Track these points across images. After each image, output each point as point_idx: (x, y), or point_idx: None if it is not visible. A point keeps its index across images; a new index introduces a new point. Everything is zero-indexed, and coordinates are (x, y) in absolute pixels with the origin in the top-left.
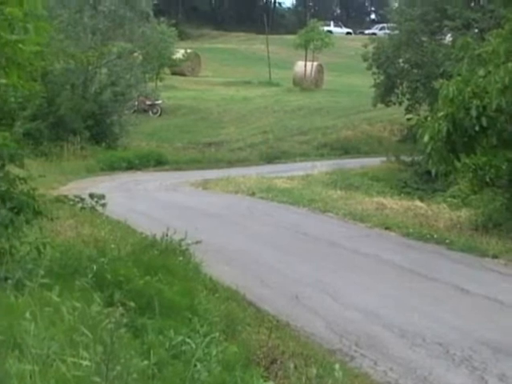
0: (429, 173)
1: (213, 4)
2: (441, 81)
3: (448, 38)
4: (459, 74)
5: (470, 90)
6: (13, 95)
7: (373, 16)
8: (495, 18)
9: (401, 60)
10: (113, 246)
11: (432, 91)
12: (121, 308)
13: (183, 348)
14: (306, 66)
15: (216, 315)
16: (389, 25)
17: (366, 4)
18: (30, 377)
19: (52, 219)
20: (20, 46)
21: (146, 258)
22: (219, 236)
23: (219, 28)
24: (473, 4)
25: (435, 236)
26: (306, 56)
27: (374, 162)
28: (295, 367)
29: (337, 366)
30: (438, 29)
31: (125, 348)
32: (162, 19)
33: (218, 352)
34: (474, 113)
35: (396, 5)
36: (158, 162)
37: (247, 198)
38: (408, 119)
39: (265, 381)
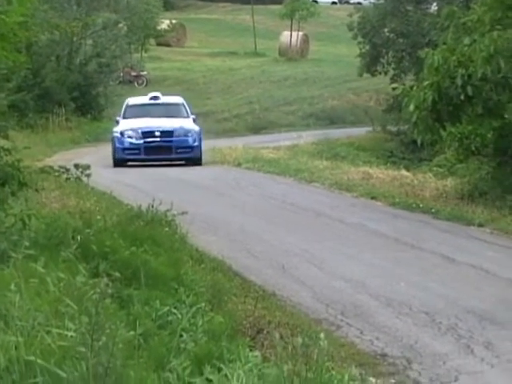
0: (415, 142)
1: None
2: (426, 50)
3: (433, 6)
4: (444, 43)
5: (456, 59)
6: None
7: None
8: None
9: (386, 29)
10: (98, 217)
11: (417, 60)
12: (106, 279)
13: (169, 318)
14: (291, 36)
15: (202, 285)
16: None
17: None
18: (15, 348)
19: (37, 190)
20: (3, 17)
21: (132, 229)
22: (205, 207)
23: None
24: None
25: (421, 205)
26: (291, 26)
27: (359, 131)
28: (281, 337)
29: (322, 336)
30: None
31: (110, 319)
32: None
33: (204, 322)
34: (459, 82)
35: None
36: None
37: (233, 169)
38: (393, 88)
39: (251, 350)
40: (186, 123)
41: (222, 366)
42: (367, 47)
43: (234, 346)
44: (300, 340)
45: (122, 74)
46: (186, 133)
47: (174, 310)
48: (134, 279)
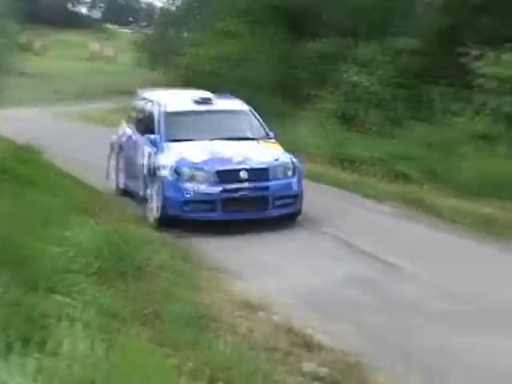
0: None
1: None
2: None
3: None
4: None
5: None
6: None
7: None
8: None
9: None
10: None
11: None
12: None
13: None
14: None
15: (59, 185)
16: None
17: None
18: None
19: None
20: None
21: (22, 156)
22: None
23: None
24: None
25: None
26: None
27: None
28: (100, 209)
29: (129, 208)
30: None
31: None
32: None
33: (60, 203)
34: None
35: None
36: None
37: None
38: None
39: (89, 220)
40: (276, 151)
41: (72, 227)
42: (145, 55)
43: (79, 217)
44: (115, 212)
45: None
46: (286, 170)
47: (45, 196)
48: (27, 181)
